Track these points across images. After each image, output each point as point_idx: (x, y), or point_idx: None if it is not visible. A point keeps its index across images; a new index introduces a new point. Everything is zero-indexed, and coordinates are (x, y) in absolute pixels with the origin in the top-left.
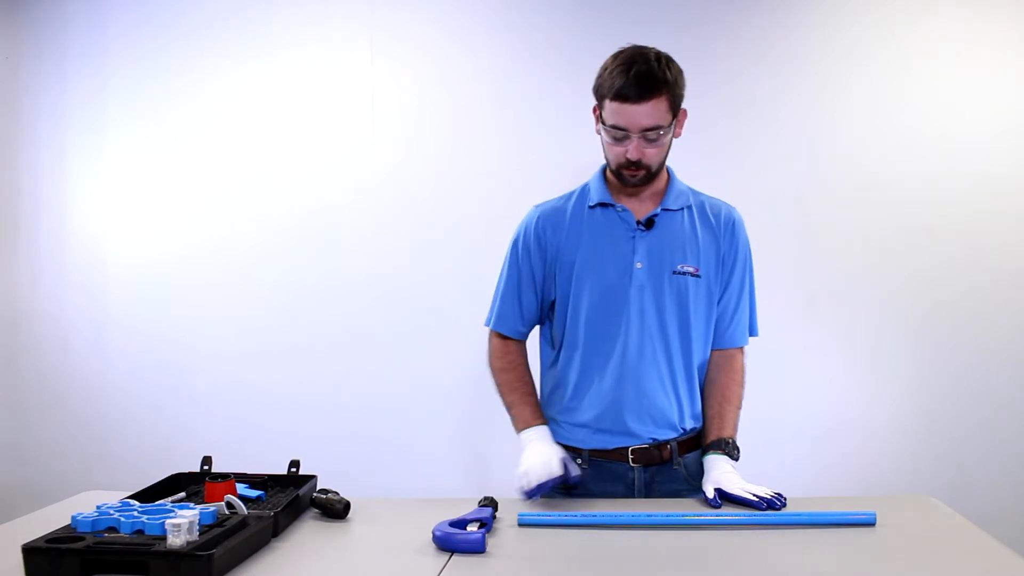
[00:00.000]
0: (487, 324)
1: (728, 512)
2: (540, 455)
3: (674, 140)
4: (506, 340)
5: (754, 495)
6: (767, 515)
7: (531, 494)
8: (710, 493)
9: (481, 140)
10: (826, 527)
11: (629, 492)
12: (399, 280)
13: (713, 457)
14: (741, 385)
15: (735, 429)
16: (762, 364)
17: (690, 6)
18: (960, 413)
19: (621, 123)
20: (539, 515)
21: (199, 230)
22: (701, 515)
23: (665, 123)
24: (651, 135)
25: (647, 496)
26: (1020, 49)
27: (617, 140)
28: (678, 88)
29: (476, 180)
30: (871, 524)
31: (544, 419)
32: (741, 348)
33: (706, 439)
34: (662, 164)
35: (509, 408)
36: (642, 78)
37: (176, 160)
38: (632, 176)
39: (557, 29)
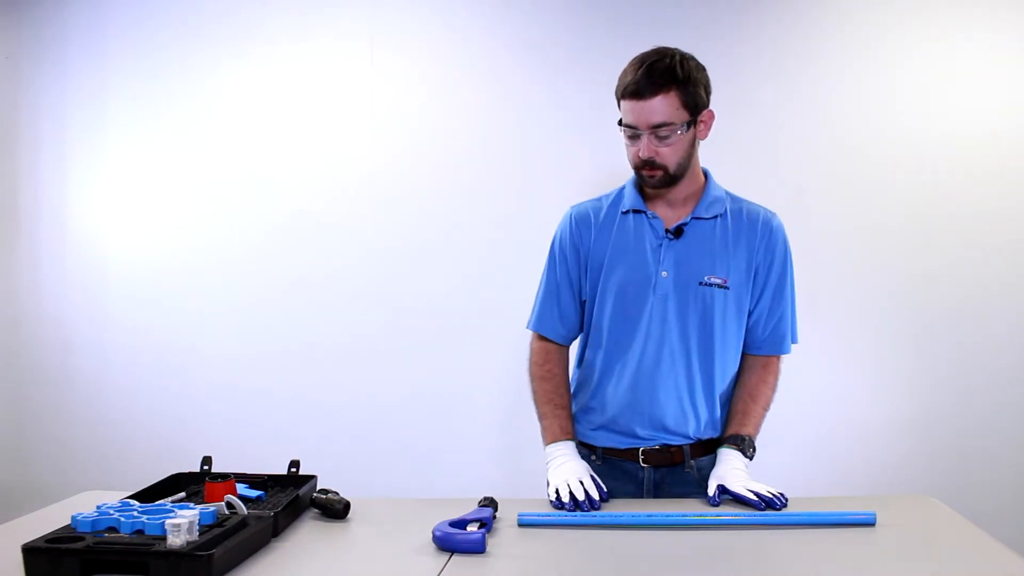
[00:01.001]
0: (528, 326)
1: (728, 512)
2: (573, 471)
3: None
4: (547, 344)
5: (755, 494)
6: (767, 515)
7: (583, 506)
8: (712, 489)
9: (482, 140)
10: (826, 527)
11: (639, 491)
12: (399, 280)
13: (725, 451)
14: (772, 388)
15: (757, 429)
16: None
17: (691, 5)
18: (960, 413)
19: (631, 121)
20: (539, 515)
21: (199, 230)
22: (701, 515)
23: (677, 120)
24: (662, 132)
25: (656, 497)
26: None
27: (631, 139)
28: (693, 86)
29: (477, 180)
30: (871, 524)
31: (572, 434)
32: (779, 356)
33: (725, 432)
34: (683, 166)
35: (541, 418)
36: (650, 74)
37: (176, 160)
38: (650, 177)
39: (558, 28)
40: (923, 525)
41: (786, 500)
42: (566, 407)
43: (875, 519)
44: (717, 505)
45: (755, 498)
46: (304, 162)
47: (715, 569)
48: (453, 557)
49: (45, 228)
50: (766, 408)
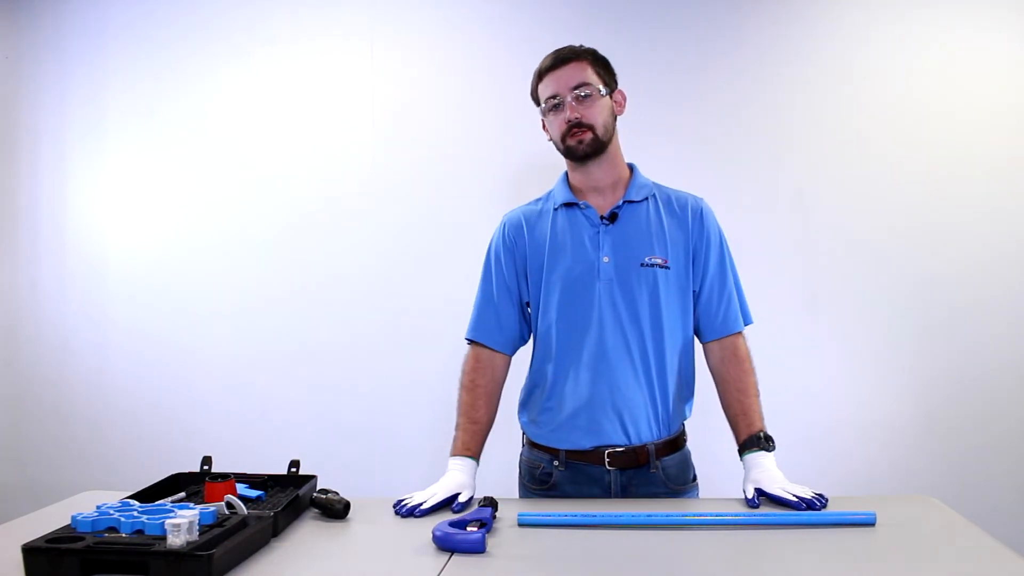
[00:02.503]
0: (465, 336)
1: (729, 512)
2: (443, 484)
3: (673, 137)
4: (480, 353)
5: (794, 496)
6: (767, 515)
7: (401, 511)
8: (750, 493)
9: (482, 140)
10: (826, 527)
11: (605, 494)
12: (399, 280)
13: (751, 456)
14: (752, 372)
15: (762, 419)
16: (762, 364)
17: (691, 5)
18: (960, 413)
19: (552, 91)
20: (539, 515)
21: (199, 230)
22: (701, 515)
23: (594, 83)
24: (583, 91)
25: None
26: None
27: (555, 110)
28: (602, 62)
29: (477, 180)
30: (871, 524)
31: (475, 452)
32: (740, 333)
33: (738, 439)
34: (608, 131)
35: (455, 428)
36: (560, 51)
37: (176, 160)
38: (579, 142)
39: (558, 28)
40: (923, 525)
41: (826, 500)
42: (478, 422)
43: (875, 519)
44: (757, 507)
45: (795, 499)
46: (304, 162)
47: (715, 569)
48: (453, 557)
49: (45, 228)
50: (758, 395)
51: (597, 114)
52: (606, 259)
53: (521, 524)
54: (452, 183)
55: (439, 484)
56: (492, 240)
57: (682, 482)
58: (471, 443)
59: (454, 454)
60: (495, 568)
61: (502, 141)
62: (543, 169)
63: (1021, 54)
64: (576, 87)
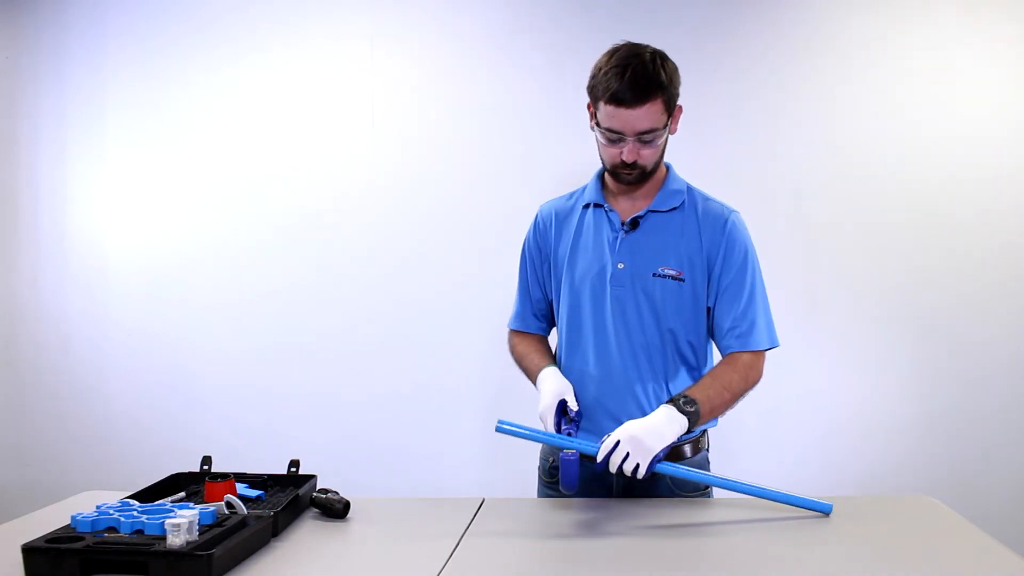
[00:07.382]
0: (508, 325)
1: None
2: (546, 395)
3: (671, 136)
4: (521, 334)
5: (604, 454)
6: (732, 482)
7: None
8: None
9: (481, 140)
10: (818, 517)
11: (608, 494)
12: (399, 280)
13: (661, 407)
14: (741, 377)
15: (705, 396)
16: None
17: (691, 5)
18: (960, 413)
19: (616, 126)
20: (517, 426)
21: (199, 229)
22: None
23: (660, 125)
24: (647, 137)
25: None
26: (1022, 47)
27: (612, 142)
28: (673, 88)
29: (476, 180)
30: (826, 514)
31: (552, 360)
32: (755, 353)
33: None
34: (658, 163)
35: (527, 373)
36: (637, 82)
37: (176, 159)
38: (628, 175)
39: (557, 28)
40: (923, 525)
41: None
42: (542, 351)
43: (831, 509)
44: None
45: (599, 457)
46: (303, 162)
47: (711, 568)
48: (452, 556)
49: (45, 227)
50: (727, 388)
51: (654, 154)
52: (621, 265)
53: (498, 431)
54: (452, 183)
55: (543, 399)
56: (529, 227)
57: (691, 489)
58: (545, 357)
59: (537, 371)
60: (494, 568)
61: (502, 141)
62: (544, 169)
63: (1019, 54)
64: (643, 132)
